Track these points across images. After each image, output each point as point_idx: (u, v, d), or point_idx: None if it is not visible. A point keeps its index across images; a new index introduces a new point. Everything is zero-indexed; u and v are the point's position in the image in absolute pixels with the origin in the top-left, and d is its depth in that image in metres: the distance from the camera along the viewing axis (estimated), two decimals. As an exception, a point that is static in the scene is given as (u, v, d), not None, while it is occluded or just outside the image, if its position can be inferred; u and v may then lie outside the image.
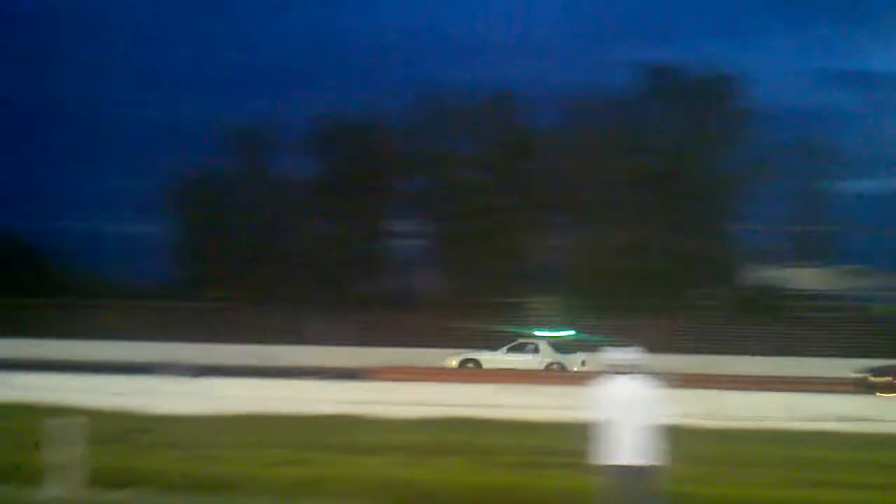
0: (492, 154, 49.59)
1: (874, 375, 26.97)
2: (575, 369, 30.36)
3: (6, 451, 12.03)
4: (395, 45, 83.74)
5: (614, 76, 50.57)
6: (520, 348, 32.07)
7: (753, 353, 35.04)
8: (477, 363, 31.66)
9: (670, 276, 43.79)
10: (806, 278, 46.23)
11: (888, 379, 26.47)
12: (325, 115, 50.81)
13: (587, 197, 46.40)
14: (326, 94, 74.16)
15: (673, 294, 43.43)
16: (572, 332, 37.82)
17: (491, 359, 31.64)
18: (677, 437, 8.24)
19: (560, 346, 32.15)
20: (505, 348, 32.24)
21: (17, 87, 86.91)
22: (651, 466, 7.93)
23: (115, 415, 16.22)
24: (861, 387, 25.83)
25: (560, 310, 40.09)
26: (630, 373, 8.14)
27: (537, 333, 36.92)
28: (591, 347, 27.19)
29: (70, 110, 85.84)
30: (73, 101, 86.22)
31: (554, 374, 29.87)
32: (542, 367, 30.95)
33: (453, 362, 31.86)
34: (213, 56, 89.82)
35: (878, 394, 24.78)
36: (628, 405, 8.02)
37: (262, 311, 41.40)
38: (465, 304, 42.55)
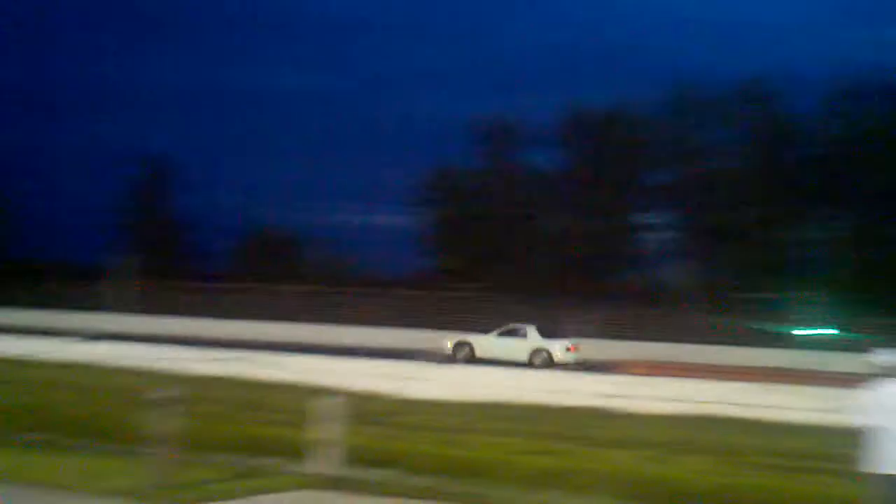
0: (748, 143, 47.60)
1: None
2: (559, 356, 30.22)
3: (274, 427, 12.87)
4: (645, 34, 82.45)
5: (886, 57, 47.15)
6: (510, 333, 31.72)
7: None
8: (470, 346, 31.57)
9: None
10: None
11: None
12: (574, 107, 50.71)
13: (854, 186, 43.63)
14: (576, 86, 73.98)
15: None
16: (834, 331, 35.77)
17: (483, 342, 31.61)
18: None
19: (548, 333, 31.48)
20: (496, 332, 31.98)
21: (276, 87, 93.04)
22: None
23: (371, 397, 16.94)
24: None
25: (821, 306, 37.98)
26: (901, 376, 7.55)
27: (796, 332, 35.34)
28: (857, 347, 25.62)
29: (328, 107, 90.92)
30: (331, 98, 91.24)
31: (812, 374, 28.27)
32: (529, 351, 30.64)
33: (448, 344, 31.89)
34: (465, 53, 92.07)
35: None
36: (900, 411, 7.44)
37: (510, 302, 41.91)
38: (718, 298, 41.21)
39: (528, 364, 29.64)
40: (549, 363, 29.68)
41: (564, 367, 29.08)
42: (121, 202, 62.96)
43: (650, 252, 51.33)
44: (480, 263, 50.49)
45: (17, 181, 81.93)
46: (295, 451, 10.87)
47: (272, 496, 9.54)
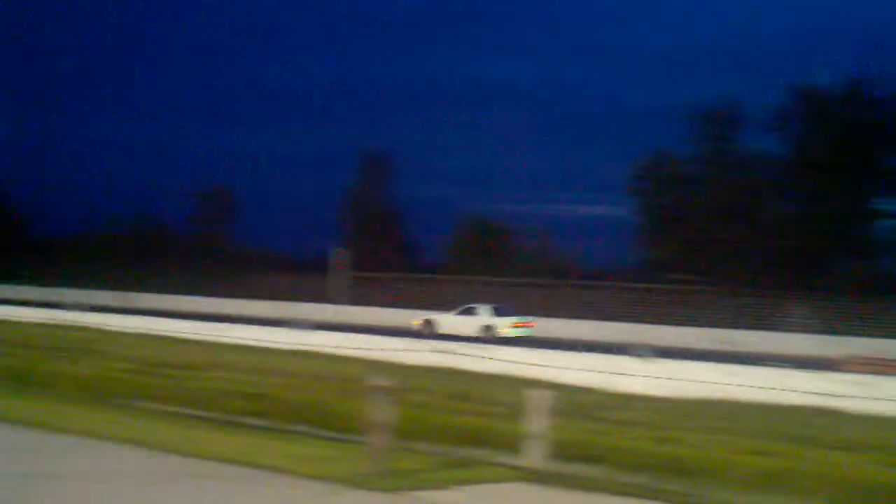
0: None
1: None
2: (503, 332, 33.85)
3: (483, 418, 12.97)
4: (875, 9, 77.26)
5: None
6: (466, 312, 36.14)
7: None
8: (435, 323, 36.04)
9: None
10: None
11: None
12: (798, 89, 48.14)
13: None
14: (798, 65, 70.27)
15: None
16: None
17: (445, 320, 36.03)
18: None
19: (497, 311, 35.49)
20: (455, 311, 36.49)
21: (484, 77, 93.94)
22: None
23: (579, 390, 16.80)
24: None
25: None
26: None
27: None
28: None
29: (539, 96, 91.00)
30: (542, 86, 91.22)
31: None
32: (479, 327, 34.67)
33: (416, 322, 36.37)
34: (680, 35, 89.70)
35: None
36: None
37: (726, 294, 40.48)
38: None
39: (480, 339, 32.60)
40: (496, 338, 32.83)
41: (509, 340, 31.52)
42: (339, 196, 65.72)
43: (885, 240, 47.98)
44: (696, 255, 48.94)
45: (245, 178, 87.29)
46: (503, 443, 10.90)
47: (483, 487, 9.58)
